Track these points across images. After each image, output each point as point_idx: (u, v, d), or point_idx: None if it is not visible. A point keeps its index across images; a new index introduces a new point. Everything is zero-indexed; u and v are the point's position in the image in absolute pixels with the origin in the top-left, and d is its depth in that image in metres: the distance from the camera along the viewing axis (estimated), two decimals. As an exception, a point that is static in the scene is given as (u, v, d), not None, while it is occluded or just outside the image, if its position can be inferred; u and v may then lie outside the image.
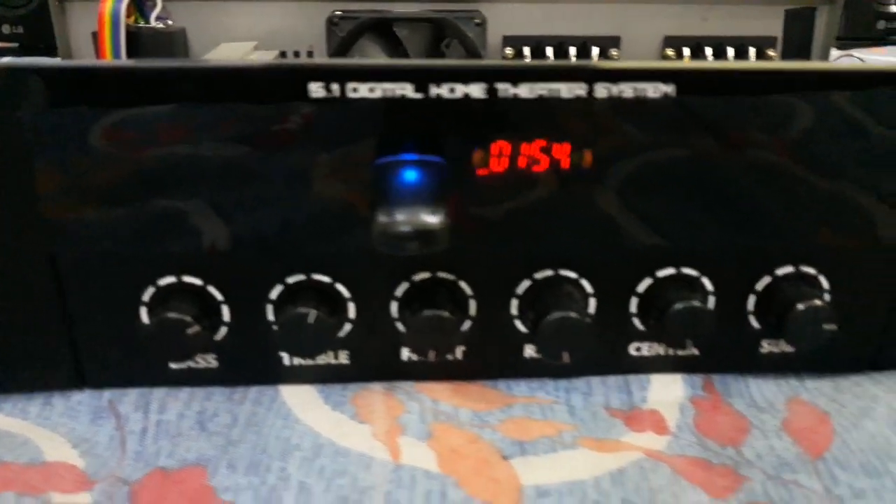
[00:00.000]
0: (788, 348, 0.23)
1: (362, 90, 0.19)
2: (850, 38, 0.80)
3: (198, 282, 0.21)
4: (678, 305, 0.21)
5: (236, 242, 0.21)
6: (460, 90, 0.20)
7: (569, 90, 0.20)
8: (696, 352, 0.23)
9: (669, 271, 0.22)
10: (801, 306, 0.22)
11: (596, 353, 0.23)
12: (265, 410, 0.21)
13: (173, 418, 0.21)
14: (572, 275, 0.22)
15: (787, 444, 0.21)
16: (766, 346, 0.23)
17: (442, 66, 0.20)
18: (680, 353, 0.23)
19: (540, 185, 0.21)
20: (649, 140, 0.20)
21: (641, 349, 0.23)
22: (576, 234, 0.22)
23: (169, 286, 0.21)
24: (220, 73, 0.19)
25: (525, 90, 0.20)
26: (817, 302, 0.22)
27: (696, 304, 0.21)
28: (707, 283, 0.22)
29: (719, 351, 0.23)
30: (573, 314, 0.21)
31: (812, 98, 0.20)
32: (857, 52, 0.78)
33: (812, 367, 0.24)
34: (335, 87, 0.19)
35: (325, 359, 0.22)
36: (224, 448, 0.20)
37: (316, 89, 0.19)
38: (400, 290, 0.22)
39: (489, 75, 0.20)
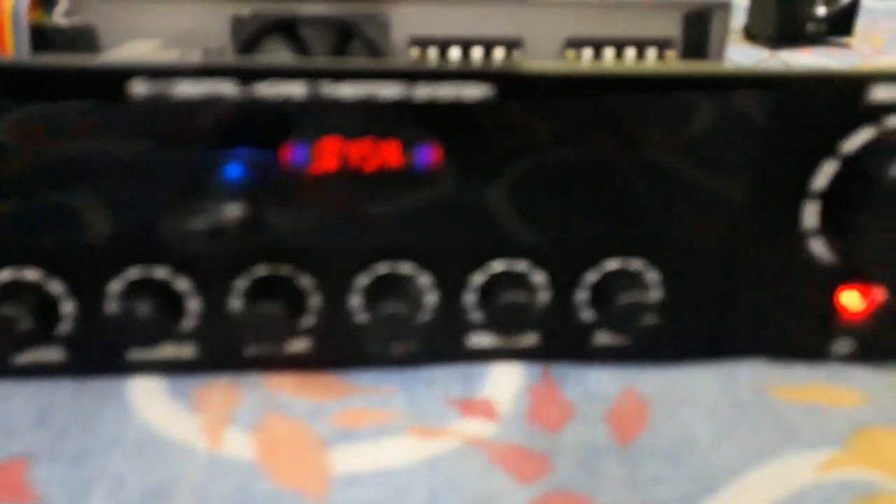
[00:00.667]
0: (623, 339, 0.24)
1: (185, 88, 0.20)
2: (784, 39, 0.81)
3: (36, 275, 0.22)
4: (505, 298, 0.22)
5: (75, 236, 0.21)
6: (283, 89, 0.20)
7: (389, 91, 0.21)
8: (535, 342, 0.24)
9: (500, 266, 0.23)
10: (623, 298, 0.23)
11: (438, 343, 0.24)
12: (104, 403, 0.22)
13: (13, 412, 0.22)
14: (410, 268, 0.23)
15: (602, 433, 0.22)
16: (600, 338, 0.24)
17: (264, 67, 0.20)
18: (521, 343, 0.24)
19: (371, 182, 0.22)
20: (470, 140, 0.21)
21: (481, 340, 0.24)
22: (410, 229, 0.22)
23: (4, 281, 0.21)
24: (26, 71, 0.20)
25: (348, 90, 0.20)
26: (638, 294, 0.23)
27: (521, 297, 0.22)
28: (538, 277, 0.23)
29: (558, 342, 0.24)
30: (402, 308, 0.22)
31: (623, 99, 0.21)
32: (784, 54, 0.79)
33: (647, 356, 0.25)
34: (158, 85, 0.20)
35: (170, 351, 0.23)
36: (52, 441, 0.20)
37: (139, 87, 0.20)
38: (240, 283, 0.22)
39: (312, 74, 0.20)
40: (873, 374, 0.25)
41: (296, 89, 0.20)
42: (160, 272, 0.22)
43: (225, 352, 0.23)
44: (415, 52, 0.42)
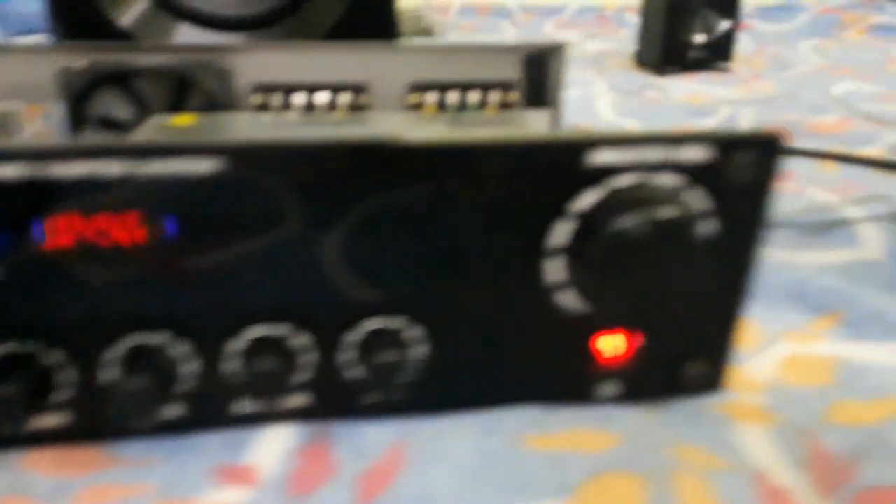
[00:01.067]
0: (391, 395, 0.25)
1: None
2: (669, 65, 0.84)
3: None
4: (263, 364, 0.23)
5: None
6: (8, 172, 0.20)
7: (115, 168, 0.21)
8: (306, 403, 0.25)
9: (261, 331, 0.23)
10: (381, 357, 0.23)
11: (204, 410, 0.24)
12: None
13: None
14: (164, 337, 0.23)
15: (347, 494, 0.22)
16: (371, 394, 0.25)
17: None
18: (290, 405, 0.25)
19: (111, 255, 0.22)
20: (206, 211, 0.22)
21: (247, 405, 0.25)
22: (161, 298, 0.23)
23: None
24: None
25: (74, 168, 0.21)
26: (397, 353, 0.23)
27: (277, 363, 0.23)
28: (300, 340, 0.24)
29: (329, 400, 0.25)
30: (153, 378, 0.22)
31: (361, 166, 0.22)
32: (667, 80, 0.82)
33: (419, 408, 0.25)
34: None
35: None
36: None
37: None
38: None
39: (26, 156, 0.20)
40: (637, 414, 0.26)
41: (19, 171, 0.20)
42: None
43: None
44: (256, 100, 0.42)
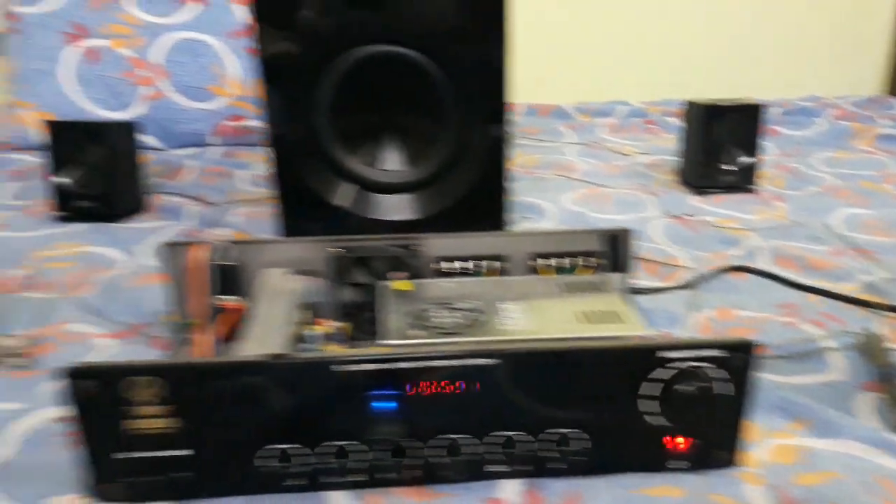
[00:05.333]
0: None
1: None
2: (706, 186, 1.07)
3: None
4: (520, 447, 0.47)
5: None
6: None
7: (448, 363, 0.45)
8: (527, 469, 0.49)
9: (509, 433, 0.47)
10: (568, 446, 0.47)
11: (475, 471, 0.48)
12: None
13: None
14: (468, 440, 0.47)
15: (551, 517, 0.46)
16: (558, 465, 0.49)
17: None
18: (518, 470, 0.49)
19: (448, 398, 0.46)
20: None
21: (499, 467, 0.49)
22: (469, 418, 0.47)
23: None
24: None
25: (427, 363, 0.45)
26: (575, 445, 0.47)
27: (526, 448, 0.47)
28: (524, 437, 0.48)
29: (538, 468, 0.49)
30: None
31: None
32: (705, 200, 1.04)
33: (582, 473, 0.49)
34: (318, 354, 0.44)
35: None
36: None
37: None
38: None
39: (410, 359, 0.45)
40: (692, 478, 0.49)
41: (412, 364, 0.45)
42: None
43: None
44: (436, 266, 0.67)
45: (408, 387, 0.45)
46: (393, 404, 0.46)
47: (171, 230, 0.95)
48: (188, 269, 0.63)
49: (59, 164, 0.97)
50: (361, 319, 0.67)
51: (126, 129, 0.99)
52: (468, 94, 0.77)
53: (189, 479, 0.47)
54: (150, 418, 0.45)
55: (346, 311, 0.67)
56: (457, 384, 0.46)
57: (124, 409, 0.44)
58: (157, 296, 0.75)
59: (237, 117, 1.34)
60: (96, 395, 0.44)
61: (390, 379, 0.45)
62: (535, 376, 0.47)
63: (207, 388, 0.45)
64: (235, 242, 0.65)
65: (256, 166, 1.24)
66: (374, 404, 0.45)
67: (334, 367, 0.44)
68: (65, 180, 0.96)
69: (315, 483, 0.47)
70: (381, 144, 0.82)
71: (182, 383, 0.44)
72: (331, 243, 0.66)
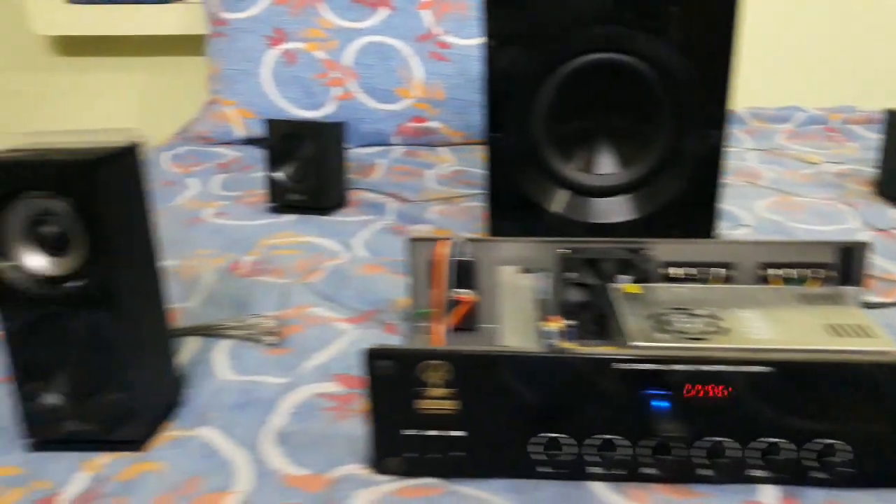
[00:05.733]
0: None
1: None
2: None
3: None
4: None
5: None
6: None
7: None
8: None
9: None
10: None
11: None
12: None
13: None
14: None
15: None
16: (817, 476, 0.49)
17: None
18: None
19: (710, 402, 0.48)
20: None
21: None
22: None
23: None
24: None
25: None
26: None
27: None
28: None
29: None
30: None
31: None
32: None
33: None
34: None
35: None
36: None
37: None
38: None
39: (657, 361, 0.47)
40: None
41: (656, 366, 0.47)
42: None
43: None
44: (663, 272, 0.68)
45: (684, 388, 0.47)
46: (666, 404, 0.48)
47: (376, 224, 1.01)
48: (434, 262, 0.67)
49: (274, 160, 1.05)
50: (584, 319, 0.69)
51: (337, 129, 1.06)
52: (688, 101, 0.78)
53: (460, 459, 0.50)
54: (436, 399, 0.49)
55: (569, 310, 0.69)
56: (727, 389, 0.47)
57: (417, 390, 0.49)
58: (383, 284, 0.81)
59: (419, 118, 1.39)
60: (391, 374, 0.49)
61: (668, 379, 0.47)
62: (803, 386, 0.47)
63: (488, 375, 0.48)
64: (471, 240, 0.69)
65: (440, 166, 1.29)
66: (653, 403, 0.47)
67: (616, 365, 0.47)
68: (281, 175, 1.04)
69: (579, 472, 0.50)
70: (592, 148, 0.84)
71: (466, 369, 0.48)
72: (560, 244, 0.68)
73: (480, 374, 0.48)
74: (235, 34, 1.40)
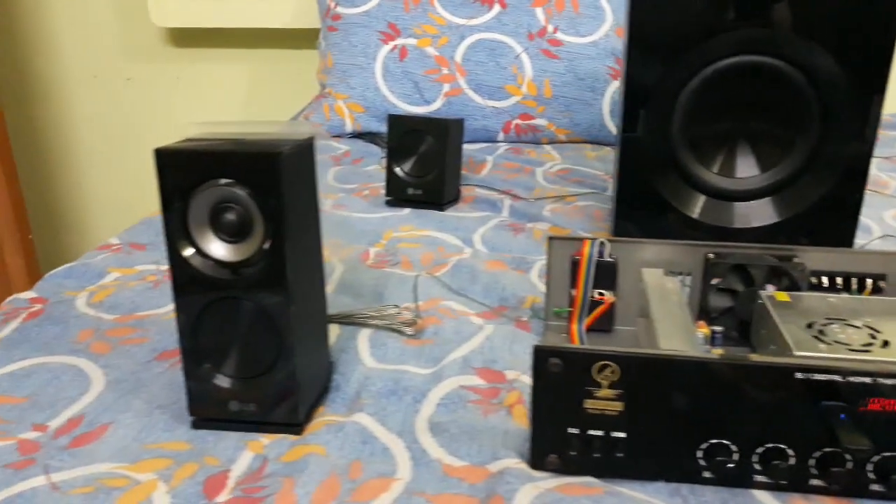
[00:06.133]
0: None
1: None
2: None
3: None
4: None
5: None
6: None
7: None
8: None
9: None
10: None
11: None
12: None
13: None
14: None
15: None
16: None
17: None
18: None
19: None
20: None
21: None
22: None
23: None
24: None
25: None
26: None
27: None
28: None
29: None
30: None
31: None
32: None
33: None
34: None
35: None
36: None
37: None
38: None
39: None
40: None
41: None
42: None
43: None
44: (813, 280, 0.67)
45: (861, 401, 0.46)
46: (843, 416, 0.47)
47: (492, 221, 1.02)
48: (580, 261, 0.67)
49: (394, 154, 1.07)
50: (727, 325, 0.68)
51: (456, 126, 1.07)
52: (838, 104, 0.76)
53: (621, 460, 0.50)
54: (603, 400, 0.49)
55: (710, 316, 0.68)
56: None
57: (586, 389, 0.49)
58: (507, 281, 0.81)
59: (526, 116, 1.40)
60: (559, 373, 0.49)
61: (845, 391, 0.46)
62: None
63: (657, 378, 0.48)
64: (611, 240, 0.69)
65: (547, 164, 1.29)
66: (841, 416, 0.46)
67: (799, 375, 0.46)
68: (403, 170, 1.06)
69: (743, 480, 0.50)
70: (729, 151, 0.83)
71: (635, 371, 0.48)
72: (707, 248, 0.68)
73: (649, 377, 0.48)
74: (350, 28, 1.43)
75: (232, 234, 0.53)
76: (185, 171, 0.52)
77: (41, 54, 1.87)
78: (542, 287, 0.81)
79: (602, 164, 1.29)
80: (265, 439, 0.56)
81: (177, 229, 0.53)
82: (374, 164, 1.30)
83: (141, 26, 1.81)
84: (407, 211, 1.06)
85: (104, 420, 0.58)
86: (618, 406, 0.49)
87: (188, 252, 0.53)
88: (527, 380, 0.63)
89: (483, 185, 1.17)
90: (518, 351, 0.68)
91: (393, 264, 0.87)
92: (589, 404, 0.49)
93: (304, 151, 0.55)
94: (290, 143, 0.53)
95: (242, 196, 0.52)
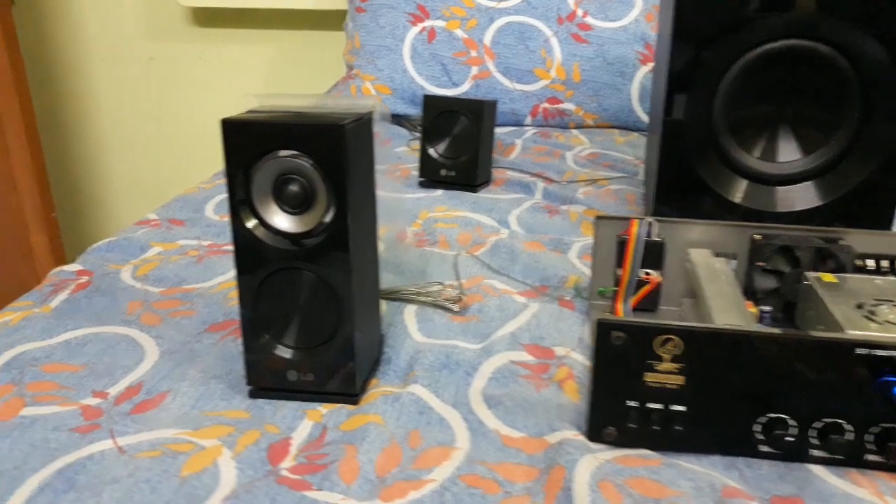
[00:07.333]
0: None
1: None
2: None
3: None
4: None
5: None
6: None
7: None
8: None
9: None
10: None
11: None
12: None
13: (765, 478, 0.49)
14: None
15: None
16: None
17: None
18: None
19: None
20: None
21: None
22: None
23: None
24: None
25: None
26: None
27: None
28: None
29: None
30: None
31: None
32: None
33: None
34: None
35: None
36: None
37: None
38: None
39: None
40: None
41: None
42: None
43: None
44: (858, 263, 0.67)
45: (922, 377, 0.47)
46: (902, 391, 0.47)
47: (526, 203, 1.02)
48: (628, 241, 0.68)
49: (428, 135, 1.07)
50: (773, 306, 0.69)
51: (490, 108, 1.07)
52: (880, 90, 0.76)
53: (679, 433, 0.51)
54: (664, 374, 0.50)
55: (756, 297, 0.69)
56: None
57: (648, 363, 0.50)
58: (547, 261, 0.82)
59: (554, 100, 1.40)
60: (622, 346, 0.50)
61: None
62: None
63: (719, 352, 0.49)
64: (660, 220, 0.69)
65: (575, 148, 1.30)
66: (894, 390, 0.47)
67: (859, 350, 0.47)
68: (437, 151, 1.06)
69: (801, 454, 0.50)
70: (771, 136, 0.83)
71: (697, 345, 0.49)
72: (754, 230, 0.68)
73: (712, 351, 0.49)
74: (378, 9, 1.43)
75: (295, 206, 0.54)
76: (250, 143, 0.52)
77: (65, 33, 1.87)
78: (582, 268, 0.81)
79: (631, 149, 1.29)
80: (323, 408, 0.57)
81: (241, 200, 0.54)
82: (403, 145, 1.31)
83: (165, 5, 1.82)
84: (440, 192, 1.07)
85: (162, 388, 0.59)
86: (678, 380, 0.50)
87: (251, 223, 0.54)
88: (576, 356, 0.64)
89: (514, 167, 1.17)
90: (564, 329, 0.69)
91: (431, 243, 0.88)
92: (649, 377, 0.50)
93: (364, 125, 0.55)
94: (352, 115, 0.54)
95: (306, 167, 0.53)
